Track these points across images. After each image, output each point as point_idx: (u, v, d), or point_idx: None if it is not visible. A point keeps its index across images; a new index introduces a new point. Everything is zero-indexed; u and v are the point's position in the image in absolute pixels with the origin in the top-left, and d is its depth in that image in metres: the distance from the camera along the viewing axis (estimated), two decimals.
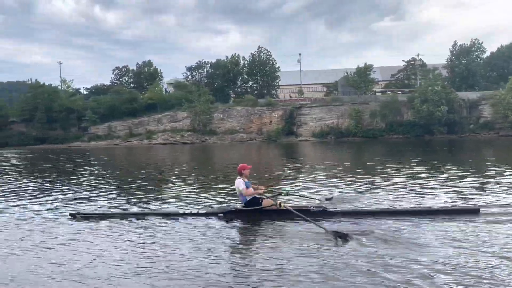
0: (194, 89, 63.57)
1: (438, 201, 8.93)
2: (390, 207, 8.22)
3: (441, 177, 13.21)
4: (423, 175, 13.93)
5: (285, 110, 61.27)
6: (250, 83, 76.47)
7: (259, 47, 76.17)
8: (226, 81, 75.06)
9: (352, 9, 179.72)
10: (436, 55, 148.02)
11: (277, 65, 75.27)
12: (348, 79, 59.64)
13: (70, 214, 8.21)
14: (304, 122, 60.98)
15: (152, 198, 10.84)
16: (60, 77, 75.09)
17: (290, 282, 4.63)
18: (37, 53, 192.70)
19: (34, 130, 66.46)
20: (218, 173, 17.35)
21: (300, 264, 5.17)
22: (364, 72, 58.18)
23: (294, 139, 59.59)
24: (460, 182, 12.01)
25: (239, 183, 7.57)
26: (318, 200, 8.79)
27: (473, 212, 7.36)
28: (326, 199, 8.81)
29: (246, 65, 75.54)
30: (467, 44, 66.85)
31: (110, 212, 8.58)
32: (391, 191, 10.74)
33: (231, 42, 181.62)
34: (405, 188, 11.15)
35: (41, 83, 68.24)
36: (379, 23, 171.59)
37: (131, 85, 79.34)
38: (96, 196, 11.36)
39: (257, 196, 7.60)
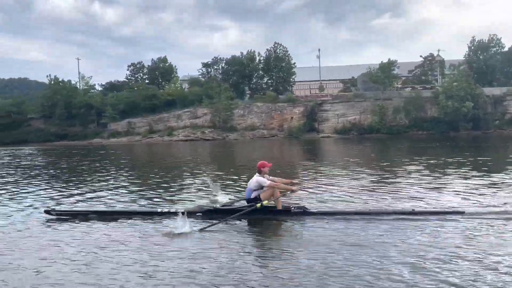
0: (214, 85, 63.18)
1: (444, 202, 8.65)
2: (373, 208, 8.04)
3: (465, 175, 12.93)
4: (443, 173, 13.68)
5: (306, 106, 61.02)
6: (265, 79, 76.30)
7: (275, 43, 75.82)
8: (242, 78, 74.84)
9: (351, 6, 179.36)
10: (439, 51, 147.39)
11: (292, 61, 75.15)
12: (371, 75, 59.32)
13: (45, 211, 8.14)
14: (325, 118, 60.75)
15: (155, 196, 10.60)
16: (79, 73, 74.64)
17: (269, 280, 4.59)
18: (35, 50, 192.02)
19: (53, 126, 66.09)
20: (239, 169, 17.05)
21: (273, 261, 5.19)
22: (388, 68, 57.90)
23: (316, 135, 59.42)
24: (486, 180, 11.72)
25: (262, 180, 7.48)
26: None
27: (458, 214, 7.30)
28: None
29: (262, 61, 75.28)
30: (485, 40, 66.65)
31: (86, 210, 8.47)
32: (397, 190, 10.55)
33: (229, 39, 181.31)
34: (415, 187, 10.93)
35: (60, 79, 67.66)
36: (378, 20, 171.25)
37: (146, 81, 78.94)
38: (89, 193, 11.30)
39: (261, 197, 7.50)
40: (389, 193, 10.08)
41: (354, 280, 4.55)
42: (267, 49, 75.39)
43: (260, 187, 7.36)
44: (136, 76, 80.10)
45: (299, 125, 59.82)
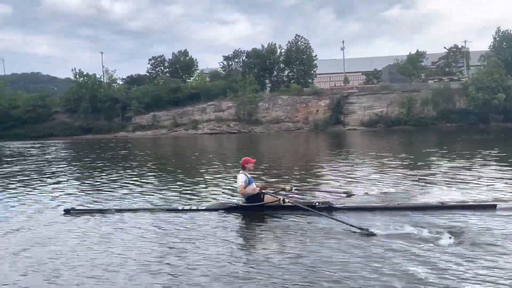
0: (239, 78, 63.03)
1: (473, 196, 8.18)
2: (400, 203, 7.64)
3: (498, 168, 12.36)
4: (474, 166, 13.18)
5: (332, 99, 60.67)
6: (286, 72, 75.98)
7: (296, 35, 75.34)
8: (263, 70, 74.59)
9: None
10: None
11: (313, 54, 74.72)
12: (399, 67, 58.76)
13: (65, 210, 7.89)
14: (352, 110, 60.37)
15: (177, 193, 10.17)
16: (103, 67, 74.86)
17: (298, 278, 4.38)
18: (45, 44, 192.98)
19: (78, 120, 66.49)
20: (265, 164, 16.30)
21: (305, 259, 4.94)
22: (416, 59, 57.32)
23: (342, 128, 59.12)
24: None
25: (240, 178, 7.25)
26: (338, 194, 8.47)
27: (489, 208, 6.93)
28: (345, 194, 8.41)
29: (283, 53, 74.94)
30: (510, 31, 65.64)
31: (107, 207, 8.26)
32: (426, 184, 10.02)
33: (238, 32, 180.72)
34: (444, 181, 10.38)
35: (85, 73, 67.92)
36: (387, 12, 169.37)
37: (167, 75, 78.94)
38: (116, 189, 11.00)
39: (259, 191, 7.33)
40: (417, 187, 9.70)
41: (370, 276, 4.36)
42: (289, 41, 75.05)
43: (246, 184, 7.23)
44: (157, 69, 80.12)
45: (325, 118, 59.52)
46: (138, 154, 25.60)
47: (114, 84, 76.19)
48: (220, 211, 7.32)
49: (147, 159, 21.62)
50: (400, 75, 60.18)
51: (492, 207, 6.93)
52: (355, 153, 20.98)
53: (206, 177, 13.05)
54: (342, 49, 71.69)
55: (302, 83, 70.21)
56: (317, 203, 7.14)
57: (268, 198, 7.25)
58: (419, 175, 11.57)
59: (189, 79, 78.04)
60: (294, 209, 6.99)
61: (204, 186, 11.23)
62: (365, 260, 4.81)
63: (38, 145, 41.49)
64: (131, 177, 13.40)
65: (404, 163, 15.19)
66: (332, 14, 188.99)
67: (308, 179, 11.76)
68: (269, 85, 75.15)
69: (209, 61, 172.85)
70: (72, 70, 68.17)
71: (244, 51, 77.06)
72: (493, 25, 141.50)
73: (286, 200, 6.95)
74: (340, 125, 59.75)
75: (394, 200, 7.88)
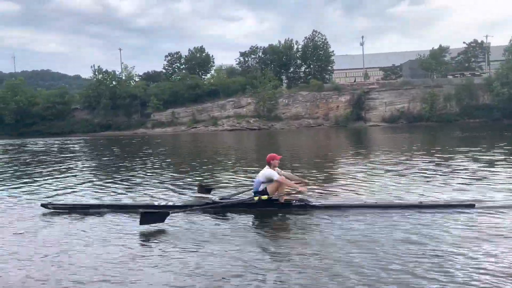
0: (259, 75, 62.79)
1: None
2: (378, 201, 7.46)
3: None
4: (492, 163, 12.61)
5: (352, 95, 60.28)
6: (303, 68, 75.65)
7: (313, 31, 74.93)
8: (279, 66, 74.31)
9: None
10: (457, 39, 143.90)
11: (330, 49, 74.31)
12: (421, 62, 58.22)
13: (42, 205, 7.68)
14: (373, 106, 59.94)
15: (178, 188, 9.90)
16: (121, 63, 74.86)
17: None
18: (53, 42, 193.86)
19: (98, 117, 66.61)
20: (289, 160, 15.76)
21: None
22: (439, 54, 56.75)
23: (363, 124, 58.70)
24: None
25: (272, 173, 7.08)
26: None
27: (468, 207, 6.78)
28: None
29: (300, 49, 74.59)
30: None
31: (85, 203, 8.06)
32: (435, 180, 9.68)
33: (245, 29, 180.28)
34: (459, 178, 9.92)
35: (104, 69, 67.98)
36: (396, 7, 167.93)
37: (183, 71, 78.87)
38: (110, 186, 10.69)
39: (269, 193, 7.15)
40: (424, 184, 9.34)
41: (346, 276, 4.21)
42: (305, 37, 74.67)
43: (269, 180, 7.04)
44: (173, 66, 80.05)
45: (346, 114, 59.16)
46: (173, 152, 25.42)
47: (130, 81, 76.28)
48: (195, 207, 7.13)
49: (184, 157, 21.47)
50: (421, 71, 59.71)
51: (471, 206, 6.79)
52: (375, 150, 20.11)
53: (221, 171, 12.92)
54: (362, 44, 71.01)
55: (319, 79, 69.90)
56: (293, 201, 7.12)
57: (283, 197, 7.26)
58: (431, 171, 11.15)
59: (205, 75, 78.11)
60: (265, 206, 6.95)
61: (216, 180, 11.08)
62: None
63: (76, 142, 41.51)
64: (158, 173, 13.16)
65: (417, 160, 14.45)
66: (340, 10, 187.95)
67: (319, 177, 11.25)
68: (285, 81, 74.89)
69: (216, 58, 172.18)
70: (91, 67, 68.09)
71: (261, 47, 76.79)
72: (503, 20, 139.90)
73: (263, 197, 6.91)
74: (361, 121, 59.35)
75: (383, 199, 7.73)
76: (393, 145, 22.89)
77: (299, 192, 7.25)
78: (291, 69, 76.52)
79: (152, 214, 6.16)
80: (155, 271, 4.49)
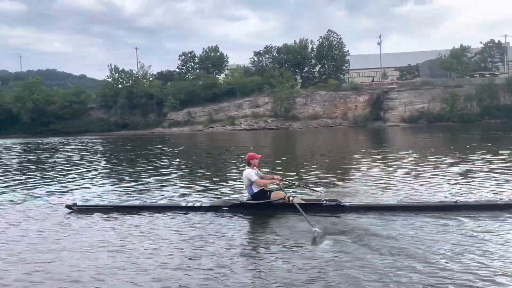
0: (276, 74, 62.49)
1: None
2: (414, 201, 7.26)
3: None
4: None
5: (371, 95, 59.96)
6: (317, 67, 75.38)
7: (328, 30, 74.69)
8: (294, 66, 74.02)
9: None
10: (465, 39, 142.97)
11: (345, 49, 74.05)
12: (442, 62, 57.87)
13: (66, 206, 7.61)
14: (392, 106, 59.61)
15: (198, 189, 9.76)
16: (138, 62, 74.65)
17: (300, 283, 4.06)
18: (57, 41, 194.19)
19: (114, 116, 66.39)
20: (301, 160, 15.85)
21: (306, 263, 4.58)
22: (460, 54, 56.39)
23: (382, 124, 58.36)
24: None
25: (250, 173, 6.93)
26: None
27: (505, 208, 6.40)
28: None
29: (315, 49, 74.34)
30: None
31: (108, 204, 8.04)
32: (455, 182, 9.29)
33: (248, 29, 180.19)
34: (479, 179, 9.56)
35: (120, 68, 67.75)
36: (400, 7, 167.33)
37: (197, 71, 78.64)
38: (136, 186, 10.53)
39: (265, 188, 7.06)
40: (447, 185, 9.02)
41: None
42: (320, 37, 74.40)
43: (251, 181, 6.95)
44: (187, 65, 79.78)
45: (364, 114, 58.84)
46: (195, 152, 25.09)
47: (144, 80, 76.06)
48: (224, 208, 7.06)
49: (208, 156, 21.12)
50: (440, 70, 59.33)
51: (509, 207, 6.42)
52: (396, 150, 19.33)
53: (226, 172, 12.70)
54: (379, 43, 70.62)
55: (333, 79, 69.63)
56: (324, 201, 6.88)
57: (275, 195, 7.00)
58: (451, 172, 10.77)
59: (218, 75, 77.79)
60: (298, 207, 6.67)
61: (222, 182, 10.76)
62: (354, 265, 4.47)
63: (94, 141, 41.30)
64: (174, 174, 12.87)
65: (448, 160, 13.93)
66: (343, 10, 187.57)
67: (333, 176, 10.93)
68: (299, 81, 74.63)
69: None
70: (108, 66, 67.86)
71: (275, 46, 76.50)
72: (504, 21, 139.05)
73: (291, 198, 6.65)
74: (380, 121, 59.02)
75: (411, 199, 7.49)
76: (417, 145, 22.31)
77: (274, 183, 7.15)
78: (306, 69, 76.29)
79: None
80: (175, 272, 4.45)
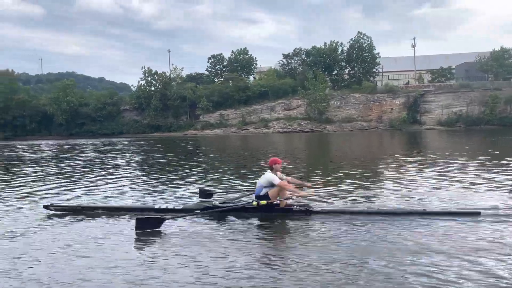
0: (310, 76, 62.25)
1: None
2: (381, 207, 7.19)
3: None
4: None
5: (408, 97, 59.32)
6: (347, 70, 74.96)
7: (358, 32, 74.14)
8: (323, 69, 73.71)
9: None
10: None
11: (375, 51, 73.47)
12: (481, 64, 57.01)
13: (44, 206, 7.56)
14: (428, 109, 58.89)
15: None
16: (171, 64, 75.25)
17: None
18: (74, 44, 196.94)
19: (147, 118, 66.82)
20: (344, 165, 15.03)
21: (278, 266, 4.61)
22: (501, 56, 55.48)
23: (419, 127, 57.67)
24: None
25: (273, 177, 6.93)
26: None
27: (473, 215, 6.51)
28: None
29: (345, 52, 73.98)
30: None
31: (83, 205, 7.93)
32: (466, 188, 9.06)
33: (264, 31, 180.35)
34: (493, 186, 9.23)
35: (153, 70, 68.23)
36: (417, 10, 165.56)
37: (225, 73, 78.89)
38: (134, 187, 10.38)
39: (274, 202, 6.95)
40: (453, 191, 8.77)
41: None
42: (351, 39, 74.00)
43: (271, 184, 6.92)
44: (216, 68, 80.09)
45: (401, 117, 58.18)
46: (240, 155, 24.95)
47: (173, 82, 76.50)
48: (196, 211, 7.03)
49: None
50: (477, 73, 58.48)
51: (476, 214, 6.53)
52: (435, 154, 18.30)
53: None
54: (413, 46, 69.76)
55: (362, 82, 69.16)
56: (294, 206, 6.98)
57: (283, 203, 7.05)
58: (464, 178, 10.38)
59: (247, 77, 77.93)
60: (266, 211, 6.86)
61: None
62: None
63: (161, 143, 41.54)
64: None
65: (461, 164, 13.50)
66: (359, 12, 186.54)
67: (352, 182, 10.46)
68: (330, 84, 74.26)
69: None
70: (142, 68, 68.35)
71: (304, 49, 76.36)
72: None
73: (255, 202, 6.79)
74: (416, 124, 58.31)
75: (385, 205, 7.47)
76: (458, 149, 21.44)
77: (301, 197, 7.18)
78: (335, 71, 75.93)
79: (147, 220, 6.09)
80: (150, 276, 4.39)
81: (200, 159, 19.00)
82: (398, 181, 10.37)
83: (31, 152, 27.12)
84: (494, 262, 4.54)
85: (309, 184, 7.66)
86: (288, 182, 7.20)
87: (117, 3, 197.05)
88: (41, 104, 69.48)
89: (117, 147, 31.70)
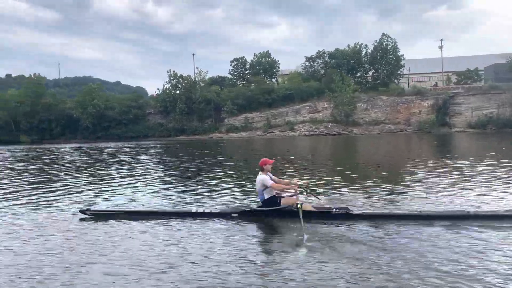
0: (337, 78, 61.84)
1: None
2: (423, 210, 7.07)
3: None
4: None
5: (436, 99, 58.52)
6: (370, 72, 74.42)
7: (383, 34, 73.62)
8: (346, 71, 73.24)
9: None
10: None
11: (399, 53, 72.78)
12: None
13: (80, 211, 7.69)
14: (458, 112, 58.01)
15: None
16: (196, 68, 75.39)
17: None
18: (90, 48, 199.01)
19: (172, 121, 66.93)
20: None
21: (315, 270, 4.68)
22: None
23: (448, 130, 56.80)
24: None
25: (265, 179, 6.98)
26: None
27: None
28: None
29: (368, 54, 73.49)
30: None
31: (120, 209, 8.02)
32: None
33: (278, 34, 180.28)
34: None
35: (179, 74, 68.41)
36: (433, 12, 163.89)
37: (248, 76, 78.83)
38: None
39: (277, 195, 7.13)
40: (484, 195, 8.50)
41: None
42: (375, 41, 73.47)
43: (265, 186, 6.98)
44: (238, 71, 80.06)
45: (429, 120, 57.39)
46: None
47: (198, 85, 76.60)
48: (233, 215, 7.14)
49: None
50: (508, 74, 57.39)
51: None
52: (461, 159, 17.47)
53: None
54: (441, 47, 68.91)
55: (388, 84, 68.53)
56: (334, 209, 6.95)
57: (285, 202, 7.04)
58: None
59: (269, 80, 77.73)
60: (308, 214, 6.77)
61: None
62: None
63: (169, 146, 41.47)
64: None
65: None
66: (374, 15, 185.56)
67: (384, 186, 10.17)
68: (354, 87, 73.74)
69: None
70: (167, 71, 68.57)
71: (327, 52, 76.02)
72: None
73: (298, 205, 6.60)
74: (445, 127, 57.46)
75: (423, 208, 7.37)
76: (491, 151, 20.63)
77: (290, 190, 7.22)
78: (358, 74, 75.44)
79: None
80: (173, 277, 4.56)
81: (249, 162, 18.71)
82: (434, 183, 10.18)
83: (78, 156, 27.15)
84: None
85: (295, 181, 7.64)
86: (276, 182, 7.23)
87: (132, 8, 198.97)
88: (67, 107, 70.01)
89: (152, 151, 31.64)
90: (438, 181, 10.57)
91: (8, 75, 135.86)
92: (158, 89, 72.91)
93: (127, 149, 34.17)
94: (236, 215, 7.10)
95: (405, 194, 9.01)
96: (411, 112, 59.47)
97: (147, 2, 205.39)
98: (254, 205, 7.45)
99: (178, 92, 66.81)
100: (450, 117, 58.28)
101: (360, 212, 6.96)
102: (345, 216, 6.75)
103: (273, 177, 7.31)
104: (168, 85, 67.88)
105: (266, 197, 7.03)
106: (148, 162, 19.68)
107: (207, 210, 7.38)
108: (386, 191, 9.43)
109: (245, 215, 7.07)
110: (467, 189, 9.35)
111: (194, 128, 66.12)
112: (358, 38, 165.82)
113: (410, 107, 59.59)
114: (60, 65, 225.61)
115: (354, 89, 61.67)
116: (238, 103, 64.76)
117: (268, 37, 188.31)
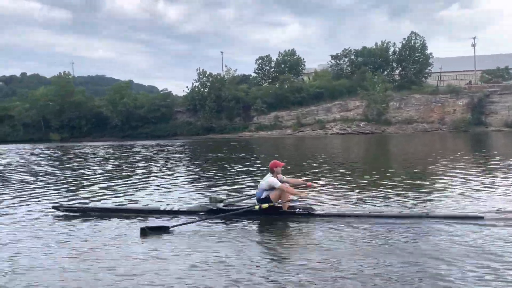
0: (369, 76, 61.15)
1: None
2: (383, 211, 7.12)
3: None
4: None
5: (472, 98, 57.61)
6: (397, 70, 73.53)
7: (412, 32, 72.69)
8: (374, 69, 72.44)
9: None
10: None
11: (428, 51, 71.78)
12: None
13: (53, 207, 7.66)
14: (493, 110, 57.07)
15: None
16: (224, 65, 75.16)
17: None
18: (102, 48, 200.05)
19: (202, 119, 66.71)
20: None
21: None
22: None
23: (484, 129, 55.87)
24: None
25: (273, 181, 6.92)
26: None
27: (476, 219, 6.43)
28: None
29: (396, 52, 72.62)
30: None
31: (93, 206, 8.11)
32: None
33: (289, 34, 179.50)
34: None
35: (208, 72, 68.17)
36: (445, 11, 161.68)
37: (272, 74, 78.36)
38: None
39: (276, 204, 6.98)
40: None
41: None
42: (403, 39, 72.57)
43: (272, 187, 6.93)
44: (264, 69, 79.59)
45: (464, 118, 56.49)
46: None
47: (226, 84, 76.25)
48: (201, 213, 7.06)
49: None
50: None
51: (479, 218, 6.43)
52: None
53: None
54: (474, 45, 67.80)
55: (416, 82, 67.67)
56: (298, 210, 7.04)
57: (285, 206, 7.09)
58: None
59: (295, 78, 77.18)
60: (268, 214, 6.87)
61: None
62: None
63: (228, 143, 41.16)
64: None
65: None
66: (385, 15, 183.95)
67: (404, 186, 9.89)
68: (390, 85, 72.94)
69: None
70: (196, 69, 68.43)
71: (353, 50, 75.30)
72: None
73: (264, 206, 6.75)
74: (481, 126, 56.54)
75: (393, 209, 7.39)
76: None
77: (302, 198, 7.18)
78: (385, 72, 74.61)
79: (151, 229, 6.15)
80: (154, 275, 4.43)
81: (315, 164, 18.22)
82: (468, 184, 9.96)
83: (131, 155, 26.91)
84: None
85: (309, 183, 7.68)
86: (289, 183, 7.17)
87: (143, 7, 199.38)
88: (96, 105, 70.16)
89: (187, 148, 31.38)
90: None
91: (23, 74, 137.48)
92: (187, 87, 72.81)
93: (186, 147, 33.91)
94: (203, 213, 7.06)
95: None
96: (445, 111, 58.67)
97: (158, 1, 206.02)
98: (221, 204, 7.28)
99: (206, 90, 66.45)
100: (486, 116, 57.33)
101: (323, 211, 7.08)
102: (308, 215, 6.85)
103: (285, 178, 7.27)
104: (197, 83, 67.60)
105: (262, 196, 6.99)
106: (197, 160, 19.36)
107: (175, 208, 7.38)
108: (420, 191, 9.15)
109: (211, 213, 7.00)
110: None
111: (223, 126, 65.81)
112: (369, 37, 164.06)
113: (445, 106, 58.81)
114: (74, 64, 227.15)
115: (386, 88, 60.85)
116: (267, 101, 64.31)
117: (279, 37, 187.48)
